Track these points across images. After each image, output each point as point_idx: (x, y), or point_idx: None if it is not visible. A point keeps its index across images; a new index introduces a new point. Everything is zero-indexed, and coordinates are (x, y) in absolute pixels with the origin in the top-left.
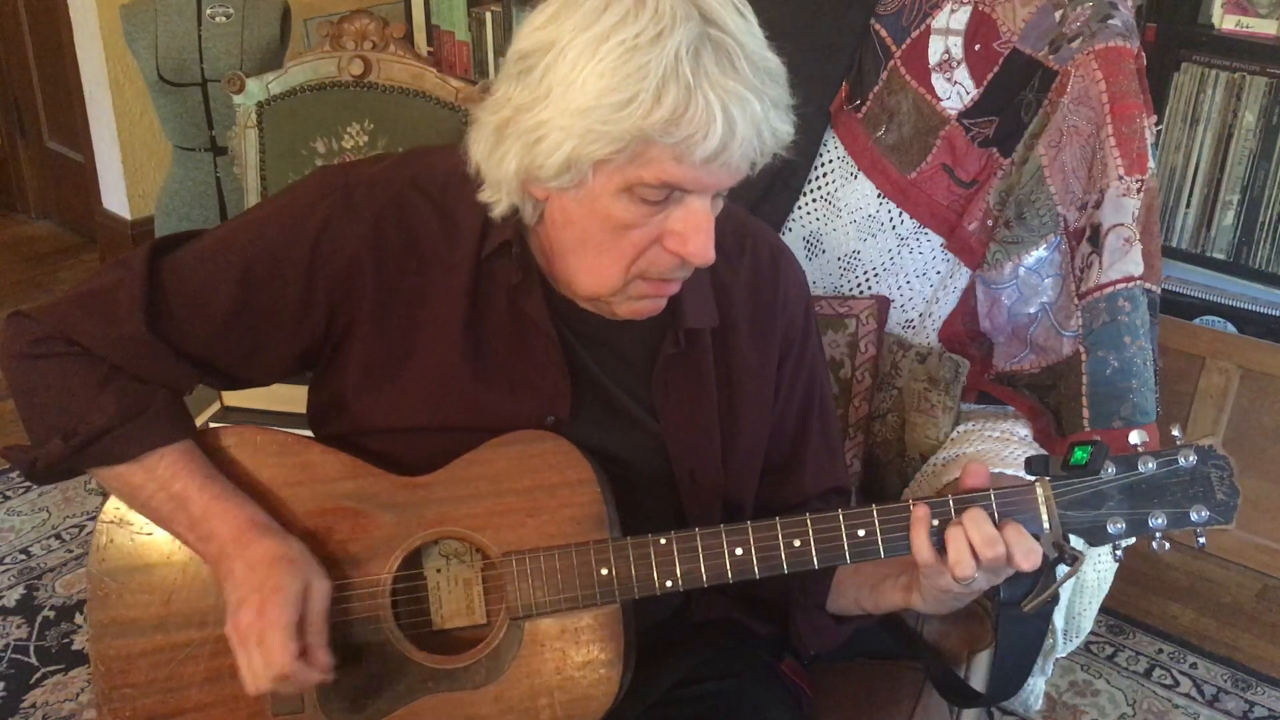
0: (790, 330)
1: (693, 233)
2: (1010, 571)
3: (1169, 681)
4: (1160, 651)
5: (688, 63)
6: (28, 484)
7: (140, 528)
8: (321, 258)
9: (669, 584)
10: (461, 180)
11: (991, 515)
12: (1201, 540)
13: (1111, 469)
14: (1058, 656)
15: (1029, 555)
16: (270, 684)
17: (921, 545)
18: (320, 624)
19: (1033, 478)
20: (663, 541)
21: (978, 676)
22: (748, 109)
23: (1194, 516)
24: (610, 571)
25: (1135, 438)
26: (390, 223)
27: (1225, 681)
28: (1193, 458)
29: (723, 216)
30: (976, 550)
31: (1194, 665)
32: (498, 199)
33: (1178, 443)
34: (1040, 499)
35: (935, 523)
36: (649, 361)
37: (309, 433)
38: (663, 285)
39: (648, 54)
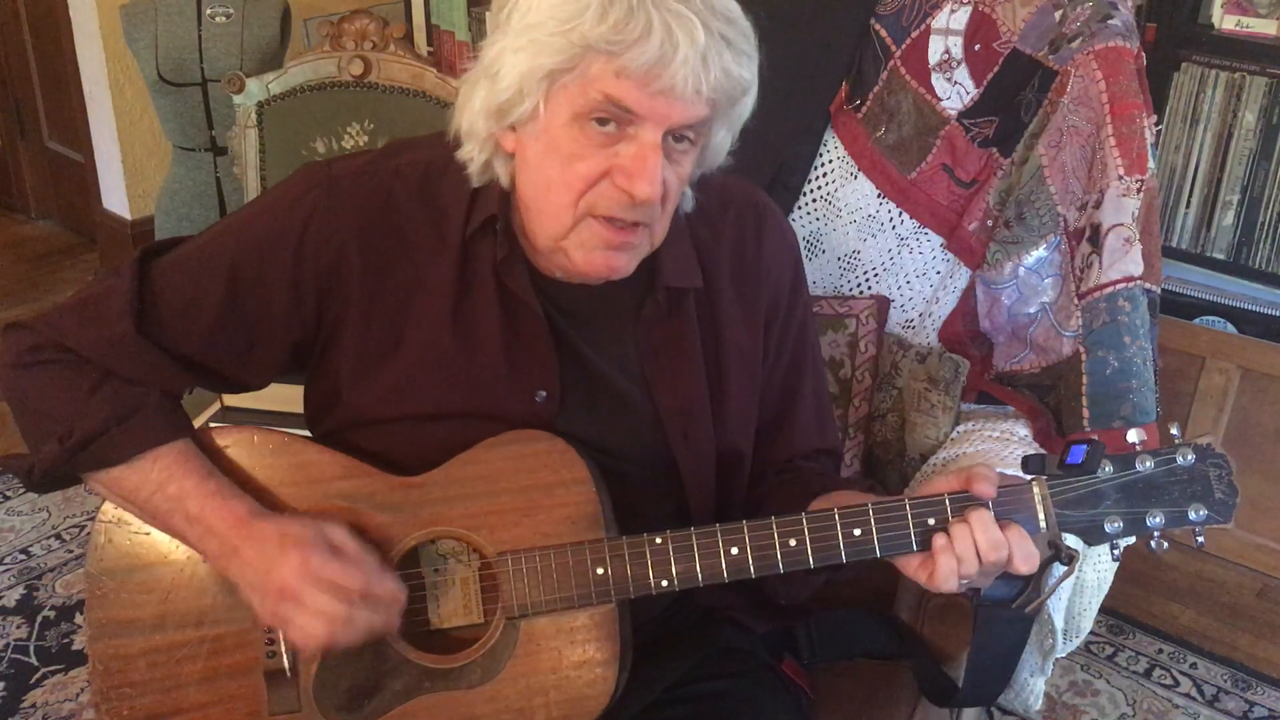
0: (777, 291)
1: (638, 167)
2: (999, 572)
3: (1169, 681)
4: (1160, 651)
5: None
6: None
7: (138, 527)
8: (308, 251)
9: (664, 583)
10: (443, 168)
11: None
12: (1200, 539)
13: (1109, 468)
14: (1058, 656)
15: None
16: (349, 612)
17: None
18: (362, 554)
19: (1029, 476)
20: (658, 541)
21: None
22: (693, 32)
23: (1192, 515)
24: (606, 571)
25: (1134, 436)
26: (375, 214)
27: (1225, 681)
28: (1191, 456)
29: (704, 179)
30: (981, 552)
31: (1194, 665)
32: (471, 154)
33: (1176, 441)
34: (1037, 498)
35: (931, 522)
36: (634, 328)
37: (307, 433)
38: (615, 232)
39: None
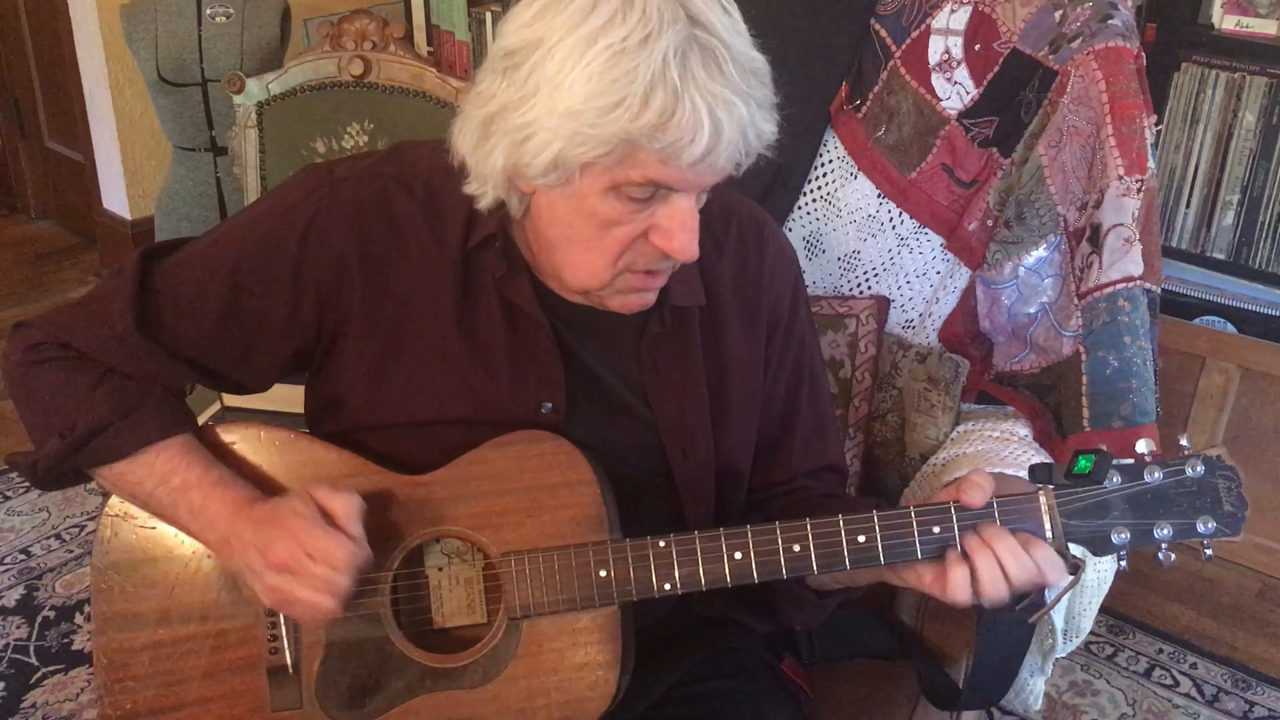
0: (778, 307)
1: (678, 230)
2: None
3: (1169, 681)
4: (1160, 651)
5: (675, 67)
6: (28, 484)
7: (144, 522)
8: (309, 255)
9: (667, 587)
10: (445, 174)
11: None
12: (1208, 552)
13: (1117, 478)
14: (1058, 656)
15: (1056, 571)
16: (348, 580)
17: (960, 586)
18: (355, 522)
19: (1036, 485)
20: (661, 544)
21: None
22: (734, 112)
23: (1200, 528)
24: (609, 574)
25: (1143, 446)
26: (376, 218)
27: (1225, 681)
28: (1200, 468)
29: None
30: (1010, 576)
31: (1194, 665)
32: (484, 192)
33: (1185, 453)
34: (1044, 507)
35: (936, 530)
36: (638, 343)
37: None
38: (650, 278)
39: (635, 58)
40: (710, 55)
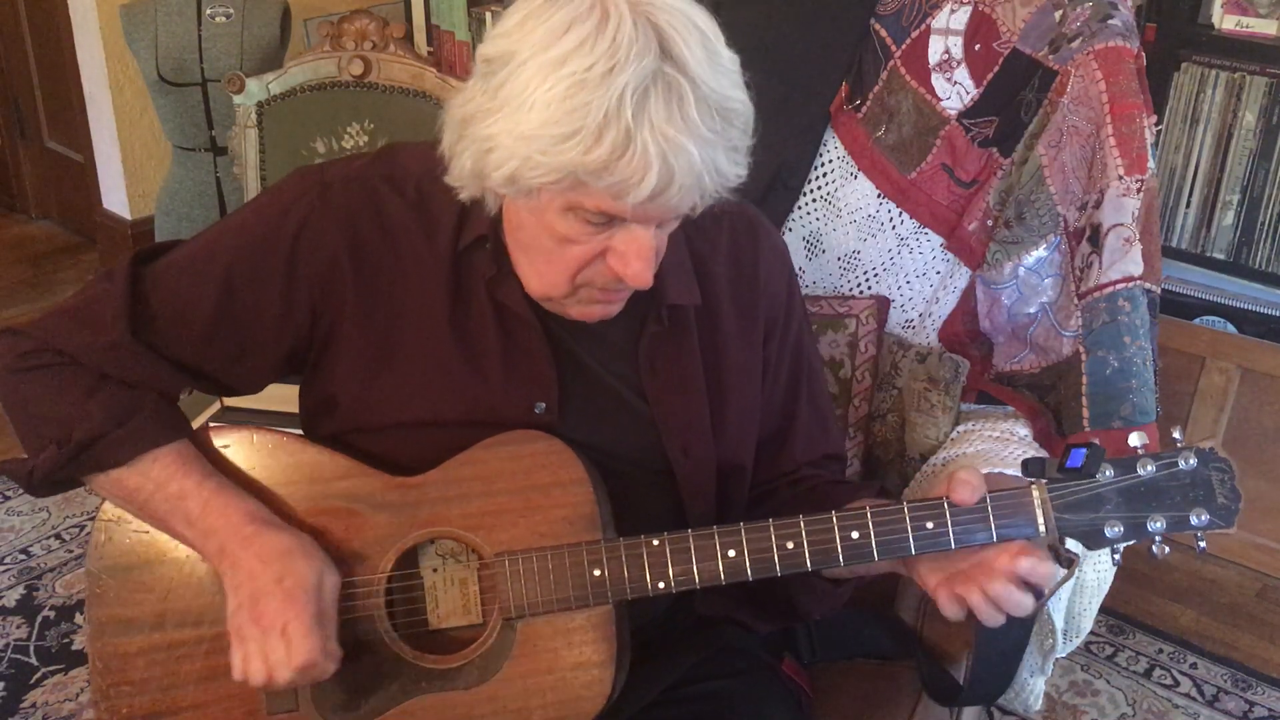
0: (774, 304)
1: (633, 257)
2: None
3: (1169, 681)
4: (1160, 651)
5: (631, 106)
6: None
7: (139, 525)
8: (301, 257)
9: (661, 585)
10: (436, 176)
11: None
12: (1202, 544)
13: (1110, 471)
14: (1058, 656)
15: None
16: (292, 675)
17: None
18: (334, 616)
19: (1029, 480)
20: (655, 543)
21: None
22: (688, 158)
23: (1194, 520)
24: (602, 572)
25: (1135, 439)
26: (367, 219)
27: (1225, 681)
28: (1193, 460)
29: None
30: (1006, 609)
31: (1194, 665)
32: (461, 186)
33: (1178, 445)
34: (1036, 501)
35: (930, 525)
36: (634, 343)
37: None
38: (611, 294)
39: (594, 91)
40: (674, 94)
